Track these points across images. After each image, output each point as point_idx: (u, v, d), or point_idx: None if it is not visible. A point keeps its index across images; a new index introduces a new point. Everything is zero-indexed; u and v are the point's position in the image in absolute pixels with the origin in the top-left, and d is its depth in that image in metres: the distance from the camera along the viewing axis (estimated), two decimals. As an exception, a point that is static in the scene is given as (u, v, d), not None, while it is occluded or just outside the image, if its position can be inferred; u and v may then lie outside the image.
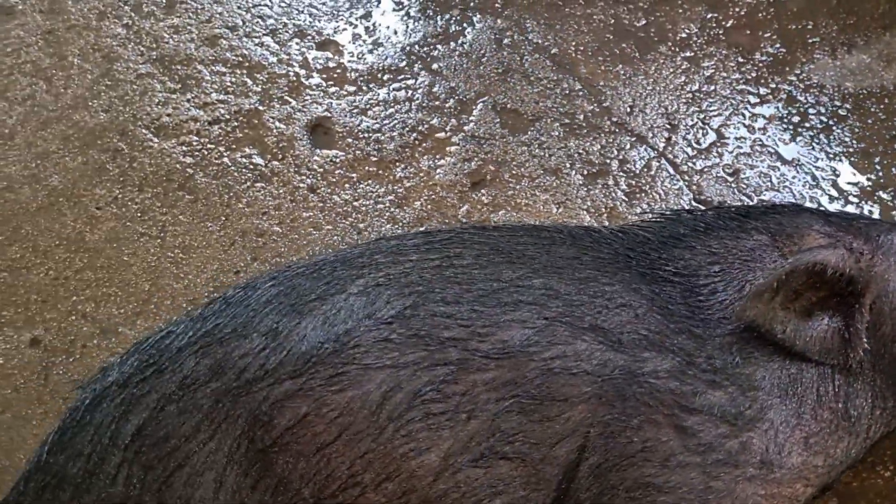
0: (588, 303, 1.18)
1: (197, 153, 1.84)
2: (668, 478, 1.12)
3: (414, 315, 1.12)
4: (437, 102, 1.93)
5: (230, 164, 1.83)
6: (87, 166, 1.83)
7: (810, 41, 2.05)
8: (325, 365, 1.08)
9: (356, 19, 2.08)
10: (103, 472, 1.05)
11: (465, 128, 1.89)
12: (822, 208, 1.49)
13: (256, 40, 2.03)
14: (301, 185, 1.80)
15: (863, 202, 1.78)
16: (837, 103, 1.94)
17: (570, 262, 1.24)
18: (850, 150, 1.87)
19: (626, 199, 1.79)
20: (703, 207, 1.62)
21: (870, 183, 1.81)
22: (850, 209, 1.75)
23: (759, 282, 1.18)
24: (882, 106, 1.94)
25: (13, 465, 1.50)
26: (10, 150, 1.85)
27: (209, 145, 1.86)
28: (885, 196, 1.78)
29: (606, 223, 1.74)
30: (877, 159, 1.85)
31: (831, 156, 1.85)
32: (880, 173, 1.83)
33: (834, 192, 1.78)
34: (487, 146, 1.86)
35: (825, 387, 1.19)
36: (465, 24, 2.07)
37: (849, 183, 1.81)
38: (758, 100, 1.94)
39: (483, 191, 1.80)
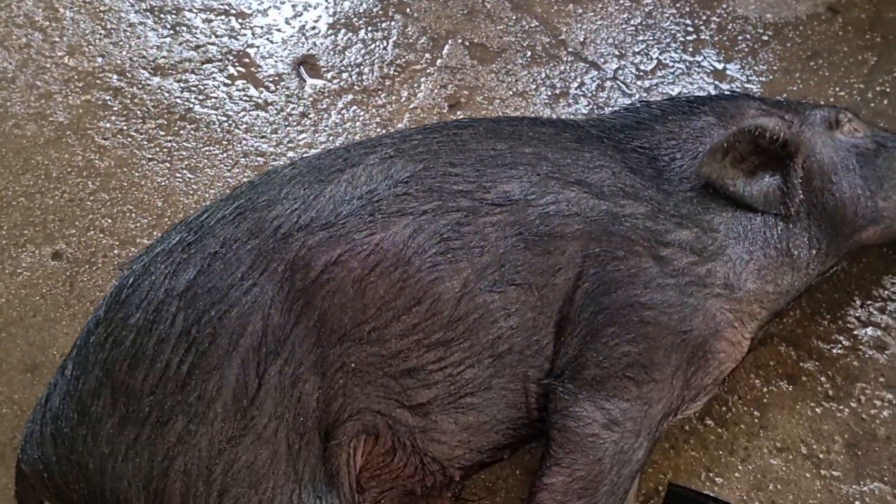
0: (572, 164, 1.39)
1: (194, 88, 1.99)
2: (650, 296, 1.33)
3: (427, 175, 1.31)
4: (410, 41, 2.13)
5: (226, 96, 1.99)
6: (90, 104, 1.96)
7: (733, -18, 2.33)
8: (354, 216, 1.24)
9: (330, -28, 2.26)
10: (161, 319, 1.15)
11: (438, 61, 2.10)
12: (757, 96, 1.74)
13: (239, -9, 2.20)
14: (294, 111, 1.97)
15: (788, 108, 2.05)
16: (760, 31, 2.22)
17: (552, 137, 1.46)
18: (775, 68, 2.14)
19: (586, 116, 2.02)
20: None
21: (793, 94, 2.09)
22: (778, 111, 2.03)
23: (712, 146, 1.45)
24: (798, 32, 2.23)
25: (48, 359, 1.62)
26: (14, 93, 1.96)
27: (205, 81, 2.01)
28: (805, 102, 2.06)
29: (570, 136, 1.96)
30: (797, 75, 2.14)
31: (759, 73, 2.12)
32: (801, 86, 2.11)
33: (762, 94, 2.05)
34: (460, 75, 2.07)
35: (770, 231, 1.44)
36: (430, -25, 2.27)
37: (774, 94, 2.08)
38: (692, 29, 2.20)
39: (459, 112, 2.01)
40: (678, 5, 2.25)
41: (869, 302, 1.70)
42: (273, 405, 1.15)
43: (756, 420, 1.54)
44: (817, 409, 1.56)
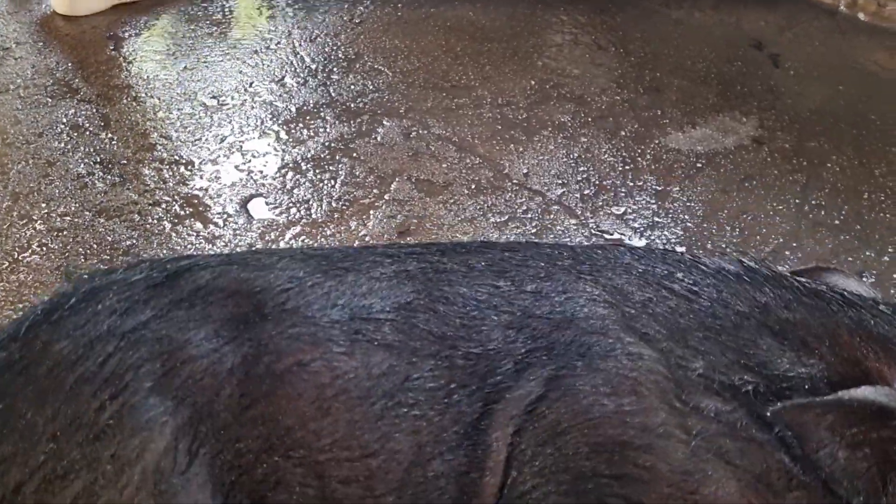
0: None
1: (139, 226, 1.97)
2: None
3: (420, 307, 1.11)
4: (358, 179, 2.18)
5: (173, 234, 1.97)
6: (31, 241, 1.91)
7: (661, 122, 2.48)
8: (339, 326, 1.08)
9: (278, 126, 2.35)
10: (92, 356, 0.99)
11: (386, 195, 2.13)
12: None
13: (191, 144, 2.25)
14: (241, 243, 1.95)
15: (730, 223, 2.10)
16: (693, 160, 2.33)
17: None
18: (712, 188, 2.22)
19: (536, 236, 2.04)
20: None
21: (734, 208, 2.15)
22: (714, 228, 2.07)
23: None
24: (728, 160, 2.34)
25: None
26: (-49, 239, 1.92)
27: (151, 220, 2.00)
28: (747, 217, 2.12)
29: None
30: (734, 194, 2.21)
31: (698, 193, 2.20)
32: (739, 203, 2.18)
33: (703, 213, 2.11)
34: (408, 206, 2.09)
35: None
36: (375, 125, 2.38)
37: (715, 211, 2.14)
38: (629, 160, 2.30)
39: (409, 238, 2.01)
40: (613, 142, 2.37)
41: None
42: (197, 489, 0.98)
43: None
44: None
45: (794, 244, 2.06)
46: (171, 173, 2.16)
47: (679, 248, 2.02)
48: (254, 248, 1.24)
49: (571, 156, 2.31)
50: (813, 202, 2.21)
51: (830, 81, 2.74)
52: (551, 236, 2.04)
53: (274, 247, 1.93)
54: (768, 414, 0.95)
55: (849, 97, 2.66)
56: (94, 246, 1.92)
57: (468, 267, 1.16)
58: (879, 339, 1.02)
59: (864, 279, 1.97)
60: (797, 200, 2.21)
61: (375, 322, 1.08)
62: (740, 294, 1.08)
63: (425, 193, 2.14)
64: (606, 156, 2.32)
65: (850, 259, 2.02)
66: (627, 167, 2.29)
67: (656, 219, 2.10)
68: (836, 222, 2.14)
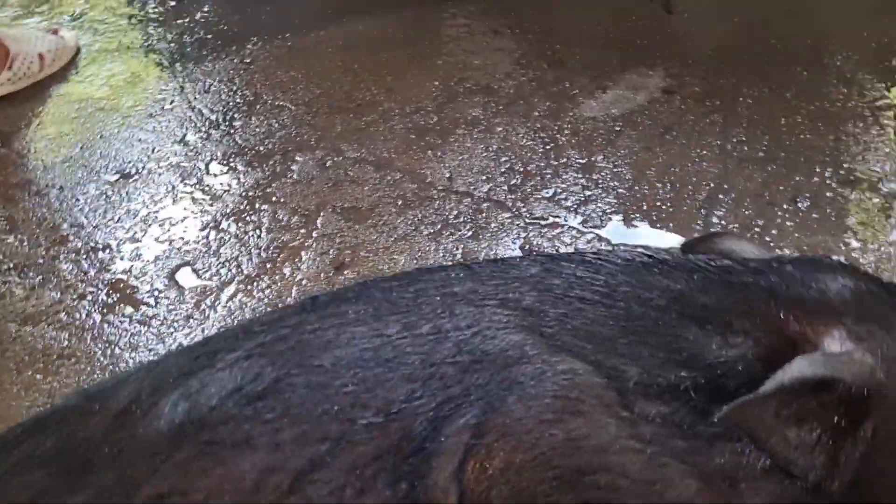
0: None
1: (69, 326, 1.89)
2: None
3: (287, 385, 0.93)
4: (283, 223, 2.11)
5: (104, 324, 1.89)
6: (-41, 373, 1.82)
7: (571, 94, 2.46)
8: (189, 444, 0.90)
9: (191, 187, 2.27)
10: None
11: (315, 233, 2.07)
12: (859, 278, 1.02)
13: (105, 227, 2.17)
14: (178, 318, 1.88)
15: (660, 180, 2.09)
16: (611, 124, 2.31)
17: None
18: (636, 148, 2.21)
19: (472, 238, 2.00)
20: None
21: (658, 166, 2.14)
22: (646, 189, 2.06)
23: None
24: (645, 115, 2.34)
25: None
26: None
27: (79, 317, 1.91)
28: (675, 170, 2.11)
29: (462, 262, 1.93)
30: (657, 149, 2.20)
31: (623, 157, 2.18)
32: (665, 157, 2.17)
33: (631, 176, 2.09)
34: (338, 238, 2.04)
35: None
36: (288, 163, 2.32)
37: (643, 170, 2.12)
38: (548, 139, 2.28)
39: (346, 271, 1.95)
40: (528, 125, 2.34)
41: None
42: None
43: None
44: None
45: (726, 186, 2.06)
46: (90, 262, 2.07)
47: (614, 217, 2.00)
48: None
49: (490, 148, 2.28)
50: (734, 140, 2.21)
51: (724, 16, 2.76)
52: (488, 235, 2.00)
53: (208, 313, 1.87)
54: (714, 419, 0.88)
55: (746, 27, 2.68)
56: (26, 357, 1.84)
57: (343, 319, 0.99)
58: (795, 300, 0.96)
59: (800, 203, 1.98)
60: (719, 142, 2.21)
61: (233, 421, 0.89)
62: (654, 286, 1.01)
63: (353, 221, 2.09)
64: (525, 140, 2.29)
65: (781, 188, 2.03)
66: (548, 147, 2.26)
67: (587, 192, 2.08)
68: (761, 154, 2.14)
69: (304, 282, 1.94)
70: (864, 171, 2.03)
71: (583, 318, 0.97)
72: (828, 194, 1.98)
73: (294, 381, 0.91)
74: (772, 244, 1.87)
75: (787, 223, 1.92)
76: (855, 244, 1.85)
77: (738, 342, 0.94)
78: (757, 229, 1.91)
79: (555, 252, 1.95)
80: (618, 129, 2.30)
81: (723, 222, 1.95)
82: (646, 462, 0.86)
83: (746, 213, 1.96)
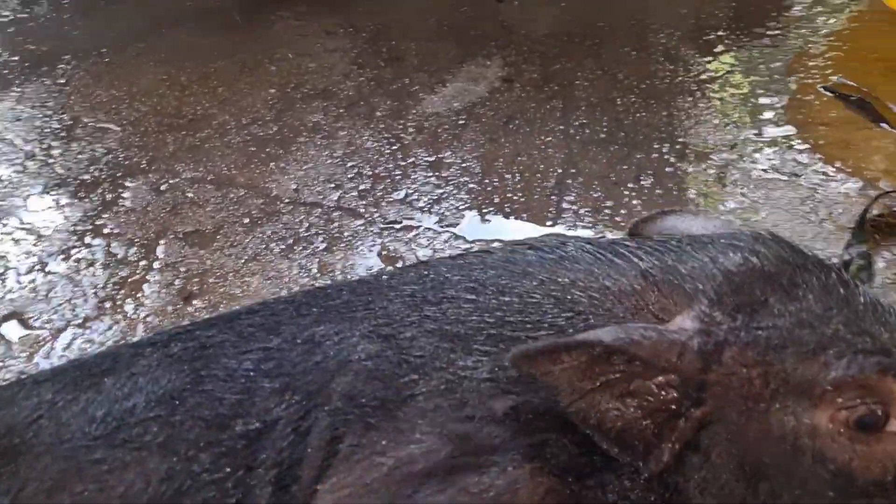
0: None
1: None
2: None
3: (196, 391, 0.97)
4: (120, 256, 1.95)
5: (-80, 395, 1.67)
6: None
7: (412, 90, 2.42)
8: (105, 440, 0.94)
9: (11, 227, 2.06)
10: None
11: (156, 264, 1.93)
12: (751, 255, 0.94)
13: None
14: (11, 374, 1.69)
15: (509, 170, 2.09)
16: (454, 118, 2.29)
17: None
18: (481, 140, 2.20)
19: (327, 251, 1.92)
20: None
21: (508, 153, 2.14)
22: (496, 181, 2.05)
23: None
24: (487, 106, 2.33)
25: None
26: None
27: None
28: (522, 159, 2.11)
29: (318, 277, 1.85)
30: (502, 140, 2.20)
31: (469, 150, 2.16)
32: (510, 147, 2.17)
33: (480, 169, 2.08)
34: (183, 267, 1.91)
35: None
36: (119, 190, 2.15)
37: (491, 164, 2.12)
38: (394, 139, 2.23)
39: (196, 300, 1.83)
40: (372, 126, 2.28)
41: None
42: None
43: None
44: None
45: (573, 170, 2.08)
46: None
47: (468, 213, 1.98)
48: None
49: (336, 154, 2.21)
50: (576, 123, 2.24)
51: (552, 1, 2.80)
52: (343, 245, 1.93)
53: (43, 365, 1.69)
54: (507, 361, 0.84)
55: (574, 12, 2.73)
56: None
57: (238, 333, 1.01)
58: (663, 280, 0.91)
59: (643, 181, 2.03)
60: (561, 127, 2.23)
61: (142, 424, 0.93)
62: (526, 275, 0.97)
63: (198, 246, 1.96)
64: (370, 143, 2.23)
65: (625, 167, 2.07)
66: (395, 147, 2.21)
67: (439, 191, 2.05)
68: (602, 136, 2.18)
69: (149, 318, 1.79)
70: (698, 143, 2.11)
71: (442, 321, 0.94)
72: (668, 169, 2.04)
73: (188, 389, 0.95)
74: (622, 223, 1.90)
75: (634, 201, 1.96)
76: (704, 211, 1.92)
77: (600, 322, 0.89)
78: (607, 211, 1.94)
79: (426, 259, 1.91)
80: (462, 122, 2.28)
81: (574, 206, 1.97)
82: (507, 460, 0.84)
83: (595, 195, 1.99)
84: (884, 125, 2.09)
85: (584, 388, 0.83)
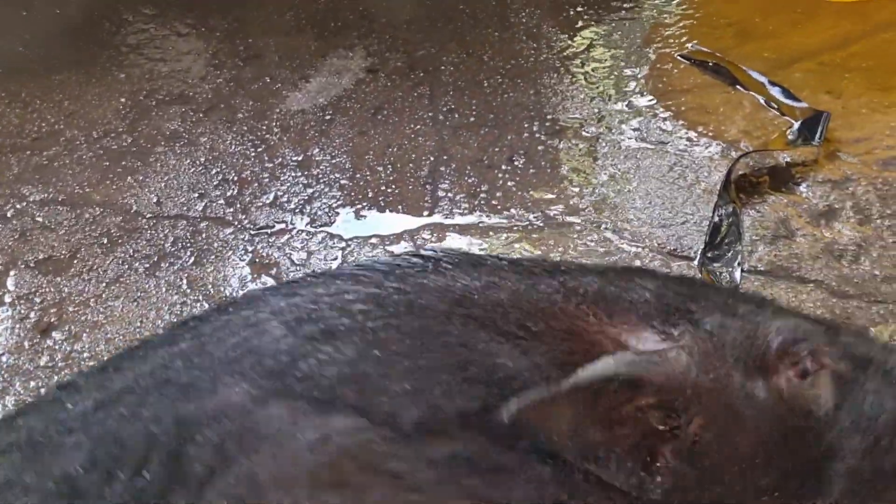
0: None
1: None
2: None
3: None
4: (-36, 293, 1.78)
5: None
6: None
7: (274, 88, 2.33)
8: None
9: None
10: None
11: (7, 297, 1.77)
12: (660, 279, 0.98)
13: None
14: None
15: (380, 162, 2.03)
16: (320, 114, 2.21)
17: None
18: (349, 135, 2.13)
19: (196, 264, 1.81)
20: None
21: (376, 149, 2.08)
22: (368, 174, 1.99)
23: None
24: (353, 99, 2.27)
25: None
26: None
27: None
28: (393, 150, 2.06)
29: (189, 293, 1.74)
30: (372, 132, 2.14)
31: (337, 146, 2.09)
32: (380, 139, 2.11)
33: (351, 164, 2.02)
34: (38, 297, 1.76)
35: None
36: (-42, 221, 1.96)
37: (361, 155, 2.05)
38: (259, 141, 2.13)
39: (55, 332, 1.69)
40: (234, 129, 2.18)
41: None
42: None
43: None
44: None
45: (445, 157, 2.05)
46: None
47: (342, 210, 1.91)
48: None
49: (198, 162, 2.09)
50: (444, 109, 2.20)
51: (412, -13, 2.75)
52: (213, 257, 1.83)
53: None
54: (504, 418, 0.76)
55: (434, -4, 2.69)
56: None
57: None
58: (603, 298, 0.87)
59: (516, 161, 2.01)
60: (430, 113, 2.19)
61: None
62: (433, 291, 0.87)
63: (52, 274, 1.82)
64: (234, 146, 2.13)
65: (496, 149, 2.05)
66: (260, 149, 2.12)
67: (309, 190, 1.97)
68: (472, 119, 2.16)
69: (3, 357, 1.64)
70: (567, 119, 2.11)
71: (346, 354, 0.81)
72: (539, 148, 2.04)
73: None
74: (499, 207, 1.88)
75: (509, 183, 1.95)
76: (573, 190, 1.92)
77: (535, 346, 0.83)
78: (483, 195, 1.92)
79: (300, 278, 1.83)
80: (328, 117, 2.20)
81: (449, 194, 1.93)
82: None
83: (470, 180, 1.96)
84: (739, 87, 2.15)
85: (579, 425, 0.77)
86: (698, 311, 0.87)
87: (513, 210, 1.87)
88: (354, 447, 0.75)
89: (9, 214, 1.98)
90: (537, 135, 2.08)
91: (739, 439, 0.82)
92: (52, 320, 1.71)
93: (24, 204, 2.01)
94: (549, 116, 2.14)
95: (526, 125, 2.12)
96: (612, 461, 0.78)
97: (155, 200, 1.98)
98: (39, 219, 1.96)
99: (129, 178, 2.06)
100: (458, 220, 1.85)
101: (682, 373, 0.80)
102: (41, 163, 2.13)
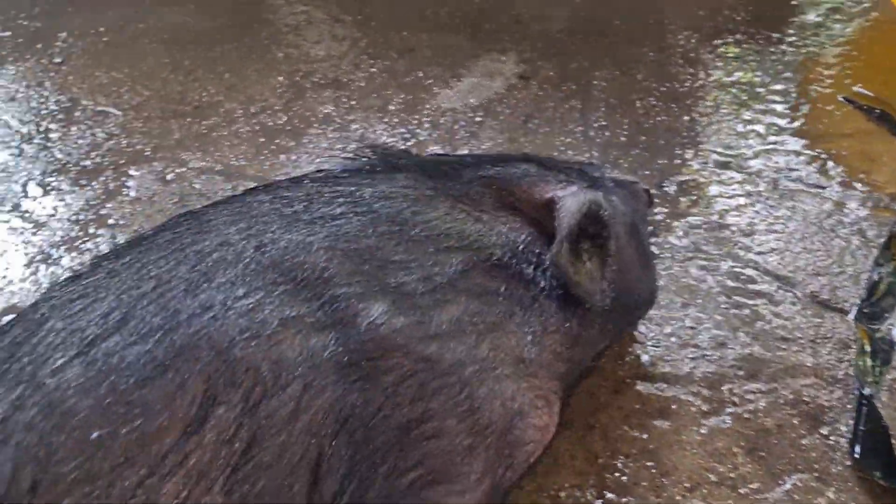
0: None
1: None
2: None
3: None
4: (125, 249, 1.87)
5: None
6: None
7: (426, 84, 2.36)
8: None
9: (7, 214, 1.97)
10: None
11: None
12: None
13: None
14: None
15: (528, 169, 2.03)
16: (471, 114, 2.23)
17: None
18: (499, 140, 2.14)
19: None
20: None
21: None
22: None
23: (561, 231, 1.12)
24: (504, 104, 2.27)
25: None
26: None
27: None
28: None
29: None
30: (521, 139, 2.15)
31: (486, 148, 2.11)
32: (530, 147, 2.12)
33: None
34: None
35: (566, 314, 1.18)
36: (123, 178, 2.06)
37: (511, 161, 2.06)
38: (409, 135, 2.16)
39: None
40: (385, 120, 2.22)
41: (689, 308, 1.63)
42: None
43: (654, 471, 1.36)
44: (702, 431, 1.42)
45: (594, 174, 2.03)
46: None
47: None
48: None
49: (348, 149, 2.13)
50: (595, 125, 2.19)
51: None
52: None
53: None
54: (546, 261, 1.12)
55: (589, 9, 2.68)
56: None
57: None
58: (520, 179, 1.22)
59: (666, 187, 1.99)
60: (580, 127, 2.19)
61: None
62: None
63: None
64: (384, 137, 2.17)
65: (647, 172, 2.03)
66: (409, 143, 2.15)
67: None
68: (623, 139, 2.14)
69: (159, 316, 1.72)
70: (721, 151, 2.07)
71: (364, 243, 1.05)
72: (691, 177, 2.00)
73: None
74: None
75: (658, 209, 1.92)
76: (723, 223, 1.88)
77: (514, 220, 1.17)
78: (631, 217, 1.90)
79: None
80: (479, 119, 2.22)
81: (597, 212, 1.92)
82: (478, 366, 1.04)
83: (618, 200, 1.95)
84: (906, 138, 2.07)
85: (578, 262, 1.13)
86: (568, 174, 1.26)
87: (661, 237, 1.85)
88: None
89: (169, 178, 2.06)
90: (689, 163, 2.05)
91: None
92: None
93: (184, 169, 2.09)
94: (702, 146, 2.10)
95: (678, 151, 2.09)
96: (595, 285, 1.14)
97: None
98: (197, 185, 2.03)
99: (282, 155, 2.12)
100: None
101: (604, 203, 1.14)
102: (201, 131, 2.21)
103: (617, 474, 1.37)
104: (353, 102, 2.30)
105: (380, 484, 0.96)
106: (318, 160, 2.10)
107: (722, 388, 1.48)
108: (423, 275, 1.06)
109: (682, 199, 1.95)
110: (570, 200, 1.13)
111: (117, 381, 0.87)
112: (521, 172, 1.25)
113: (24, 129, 2.24)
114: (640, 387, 1.50)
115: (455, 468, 1.02)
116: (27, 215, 1.97)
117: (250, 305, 0.95)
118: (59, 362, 0.89)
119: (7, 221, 1.96)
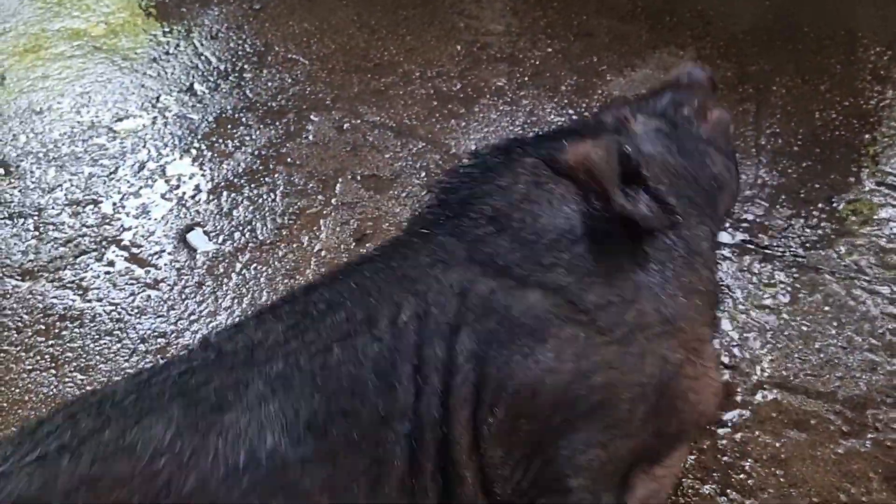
0: None
1: (70, 284, 1.78)
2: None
3: None
4: (299, 187, 2.01)
5: (109, 285, 1.78)
6: (-49, 329, 1.70)
7: (599, 69, 2.37)
8: None
9: (199, 141, 2.15)
10: None
11: (333, 200, 1.97)
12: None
13: (106, 179, 2.04)
14: (189, 283, 1.78)
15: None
16: (641, 105, 2.23)
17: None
18: (666, 134, 2.13)
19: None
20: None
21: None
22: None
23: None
24: (675, 99, 2.25)
25: None
26: None
27: (82, 274, 1.80)
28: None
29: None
30: (689, 136, 2.13)
31: (653, 141, 2.11)
32: (696, 144, 2.10)
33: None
34: (359, 208, 1.95)
35: (671, 243, 1.22)
36: (303, 122, 2.20)
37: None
38: (577, 116, 2.19)
39: (368, 244, 1.87)
40: (556, 99, 2.25)
41: (844, 326, 1.59)
42: None
43: (782, 480, 1.35)
44: (839, 450, 1.39)
45: (759, 182, 2.00)
46: (92, 216, 1.95)
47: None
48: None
49: (517, 122, 2.19)
50: (768, 131, 2.14)
51: (757, -2, 2.68)
52: (515, 215, 1.92)
53: (221, 280, 1.77)
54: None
55: (777, 11, 2.60)
56: (25, 316, 1.73)
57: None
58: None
59: (835, 203, 1.93)
60: (752, 131, 2.14)
61: None
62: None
63: (374, 190, 2.00)
64: (552, 115, 2.21)
65: (816, 185, 1.98)
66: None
67: (619, 177, 2.01)
68: (796, 149, 2.08)
69: (322, 253, 1.85)
70: (901, 174, 1.99)
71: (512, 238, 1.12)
72: (864, 197, 1.93)
73: None
74: (808, 244, 1.82)
75: (824, 223, 1.87)
76: (889, 248, 1.80)
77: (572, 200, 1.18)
78: (797, 228, 1.86)
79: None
80: (648, 110, 2.21)
81: (758, 221, 1.89)
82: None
83: (781, 209, 1.91)
84: None
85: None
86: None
87: (823, 251, 1.80)
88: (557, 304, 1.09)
89: (345, 127, 2.19)
90: (864, 182, 1.98)
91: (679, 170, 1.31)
92: (368, 231, 1.89)
93: (359, 121, 2.21)
94: (880, 166, 2.02)
95: (853, 169, 2.01)
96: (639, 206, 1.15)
97: (473, 148, 2.11)
98: (370, 138, 2.15)
99: (452, 120, 2.20)
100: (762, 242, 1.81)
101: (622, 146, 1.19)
102: (378, 88, 2.33)
103: (742, 476, 1.37)
104: (526, 79, 2.35)
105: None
106: (486, 129, 2.17)
107: (866, 411, 1.45)
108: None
109: (850, 217, 1.89)
110: (594, 155, 1.18)
111: None
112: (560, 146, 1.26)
113: (222, 66, 2.43)
114: (779, 395, 1.49)
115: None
116: (216, 146, 2.14)
117: None
118: None
119: (199, 149, 2.14)
